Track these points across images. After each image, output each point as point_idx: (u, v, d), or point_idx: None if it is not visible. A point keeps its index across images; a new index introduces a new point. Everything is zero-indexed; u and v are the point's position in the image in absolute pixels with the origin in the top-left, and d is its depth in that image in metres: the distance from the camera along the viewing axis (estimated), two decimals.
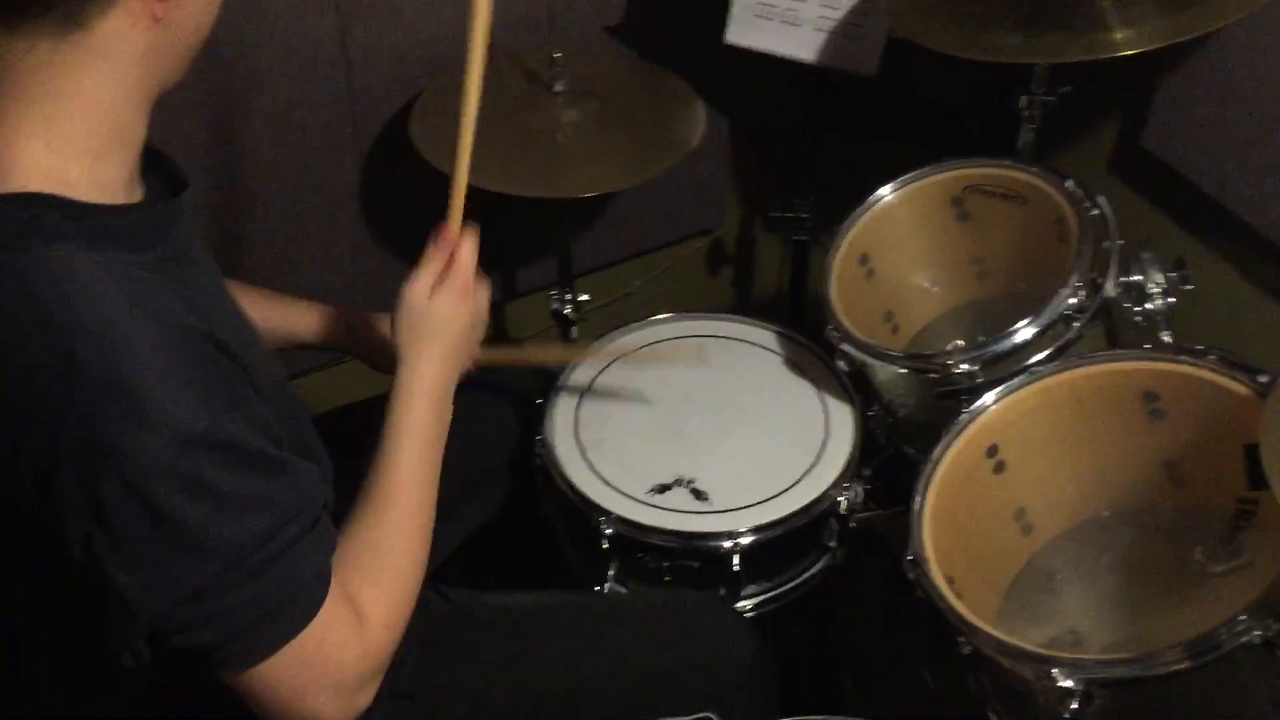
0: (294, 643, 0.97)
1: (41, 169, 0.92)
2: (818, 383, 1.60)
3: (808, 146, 1.98)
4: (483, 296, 1.22)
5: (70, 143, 0.93)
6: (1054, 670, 1.10)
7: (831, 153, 1.99)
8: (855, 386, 1.57)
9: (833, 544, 1.54)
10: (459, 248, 1.19)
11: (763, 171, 2.26)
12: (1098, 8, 1.40)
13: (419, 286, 1.17)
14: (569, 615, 1.37)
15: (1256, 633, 1.05)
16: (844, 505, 1.50)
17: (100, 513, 0.88)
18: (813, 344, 1.64)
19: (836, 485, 1.48)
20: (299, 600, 0.97)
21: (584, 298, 1.91)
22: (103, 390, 0.87)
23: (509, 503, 1.63)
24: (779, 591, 1.52)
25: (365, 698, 1.05)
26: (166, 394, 0.88)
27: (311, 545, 0.99)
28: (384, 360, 1.31)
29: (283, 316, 1.45)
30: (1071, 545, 1.42)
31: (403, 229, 1.90)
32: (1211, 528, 1.28)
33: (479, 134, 1.20)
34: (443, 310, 1.17)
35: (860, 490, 1.52)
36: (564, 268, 1.91)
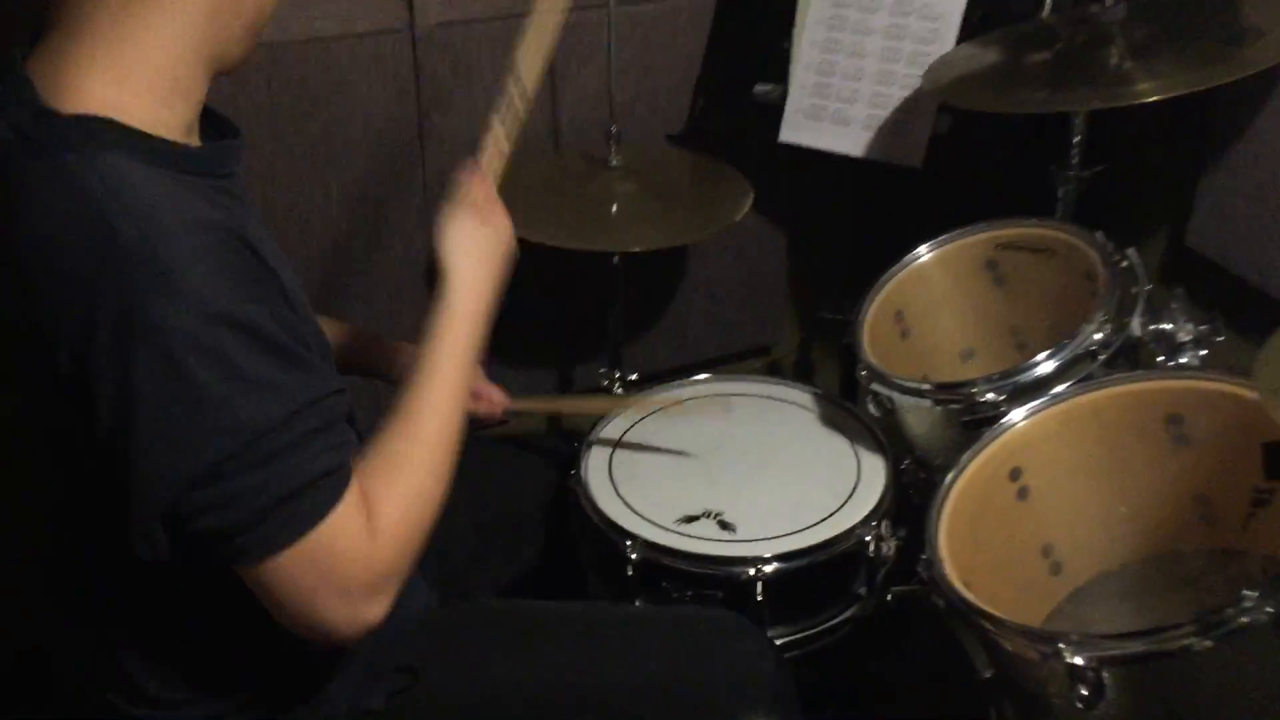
0: (305, 539, 0.99)
1: (102, 99, 1.00)
2: (852, 436, 1.62)
3: (854, 245, 2.05)
4: (506, 219, 1.28)
5: (132, 81, 1.01)
6: (1061, 646, 1.07)
7: (881, 254, 2.06)
8: (889, 439, 1.58)
9: (862, 591, 1.52)
10: (487, 182, 1.27)
11: (820, 286, 2.33)
12: (1122, 65, 1.48)
13: (458, 209, 1.23)
14: (586, 620, 1.36)
15: (1268, 609, 1.02)
16: (872, 548, 1.48)
17: (128, 380, 0.93)
18: (849, 404, 1.66)
19: (864, 524, 1.48)
20: (311, 494, 1.00)
21: (633, 376, 1.95)
22: (138, 264, 0.93)
23: (545, 553, 1.65)
24: (806, 634, 1.49)
25: (375, 611, 1.05)
26: (197, 273, 0.95)
27: (327, 443, 1.02)
28: None
29: (348, 341, 1.52)
30: (1105, 593, 1.39)
31: None
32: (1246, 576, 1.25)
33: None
34: (479, 228, 1.23)
35: (892, 544, 1.51)
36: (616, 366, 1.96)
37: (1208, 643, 1.03)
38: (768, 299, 2.34)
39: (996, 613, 1.14)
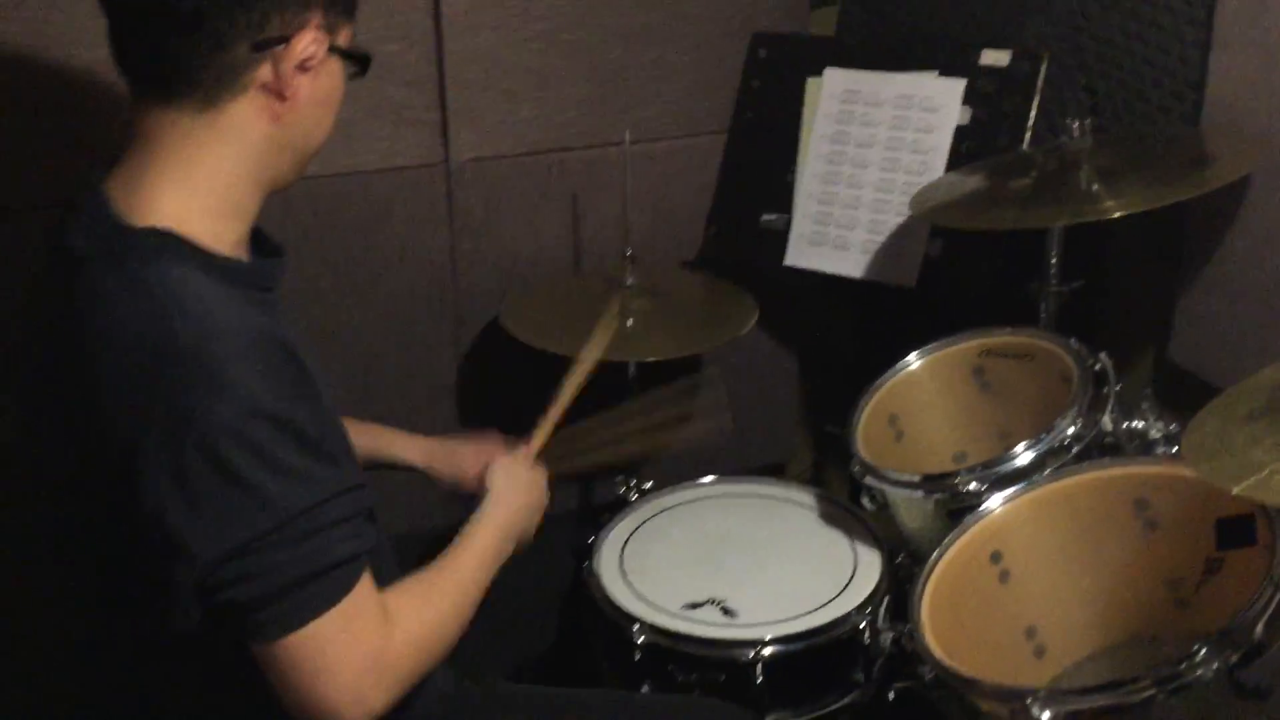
0: (322, 619, 1.10)
1: (170, 214, 1.15)
2: (850, 531, 1.72)
3: (856, 363, 2.17)
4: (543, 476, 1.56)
5: (195, 200, 1.16)
6: (1028, 701, 1.16)
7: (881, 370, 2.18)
8: (885, 534, 1.68)
9: (859, 679, 1.60)
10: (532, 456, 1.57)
11: (827, 403, 2.44)
12: (1090, 187, 1.62)
13: (518, 457, 1.54)
14: (594, 708, 1.46)
15: (1214, 665, 1.11)
16: (867, 636, 1.57)
17: (176, 468, 1.05)
18: (847, 503, 1.77)
19: (859, 610, 1.57)
20: (333, 576, 1.11)
21: (648, 485, 2.06)
22: (193, 364, 1.06)
23: (559, 638, 1.74)
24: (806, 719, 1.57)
25: (380, 702, 1.15)
26: (245, 374, 1.07)
27: (351, 531, 1.13)
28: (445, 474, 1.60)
29: (370, 438, 1.65)
30: (1089, 677, 1.46)
31: (495, 418, 2.12)
32: None
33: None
34: (528, 477, 1.52)
35: (889, 635, 1.59)
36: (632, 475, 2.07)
37: (1167, 695, 1.11)
38: (780, 417, 2.46)
39: (970, 674, 1.22)
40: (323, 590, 1.10)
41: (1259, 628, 1.12)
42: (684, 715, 1.46)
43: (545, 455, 1.61)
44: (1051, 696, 1.16)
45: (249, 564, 1.07)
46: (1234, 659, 1.11)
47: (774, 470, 2.51)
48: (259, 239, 1.27)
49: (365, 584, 1.14)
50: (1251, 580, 1.17)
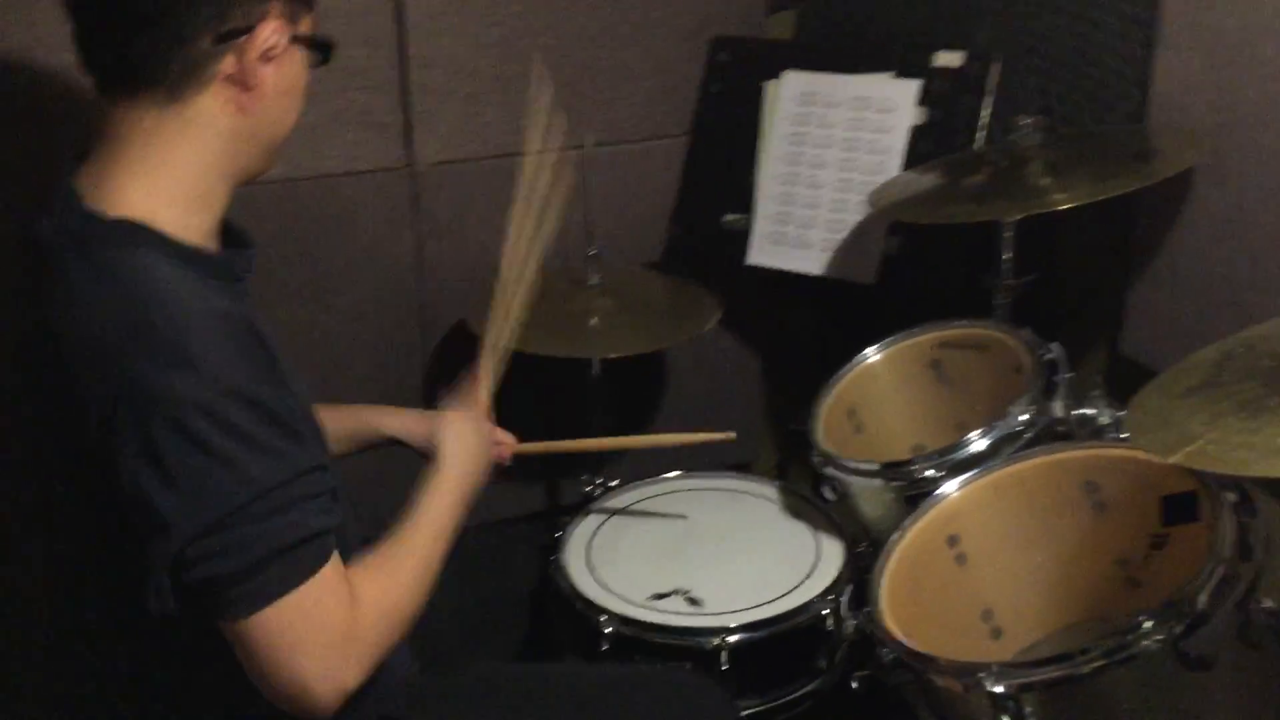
0: (293, 595, 1.12)
1: (138, 206, 1.17)
2: (812, 522, 1.76)
3: (818, 362, 2.21)
4: (491, 426, 1.57)
5: (163, 192, 1.18)
6: (980, 676, 1.19)
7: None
8: (846, 524, 1.72)
9: (823, 665, 1.63)
10: (482, 380, 1.56)
11: (790, 401, 2.48)
12: (1040, 182, 1.67)
13: (457, 408, 1.53)
14: (559, 679, 1.48)
15: (1158, 637, 1.14)
16: (830, 622, 1.60)
17: (149, 445, 1.08)
18: (809, 494, 1.80)
19: (821, 598, 1.60)
20: (303, 551, 1.13)
21: (615, 483, 2.09)
22: (163, 344, 1.09)
23: (528, 638, 1.76)
24: (771, 705, 1.60)
25: (351, 677, 1.17)
26: (214, 353, 1.10)
27: (319, 507, 1.16)
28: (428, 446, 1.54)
29: (352, 416, 1.67)
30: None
31: None
32: None
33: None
34: (476, 429, 1.51)
35: (851, 623, 1.63)
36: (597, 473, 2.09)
37: (1115, 666, 1.15)
38: (744, 415, 2.49)
39: (925, 649, 1.25)
40: (292, 567, 1.12)
41: (1202, 599, 1.16)
42: (649, 686, 1.48)
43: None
44: (1004, 671, 1.20)
45: (219, 540, 1.09)
46: (1178, 630, 1.14)
47: (739, 469, 2.55)
48: (229, 232, 1.30)
49: (333, 562, 1.16)
50: (1197, 555, 1.21)
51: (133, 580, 1.14)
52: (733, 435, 1.77)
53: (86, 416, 1.11)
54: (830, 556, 1.68)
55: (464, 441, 1.47)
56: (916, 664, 1.27)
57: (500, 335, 1.60)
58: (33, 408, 1.26)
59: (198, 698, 1.26)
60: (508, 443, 1.68)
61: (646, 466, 2.38)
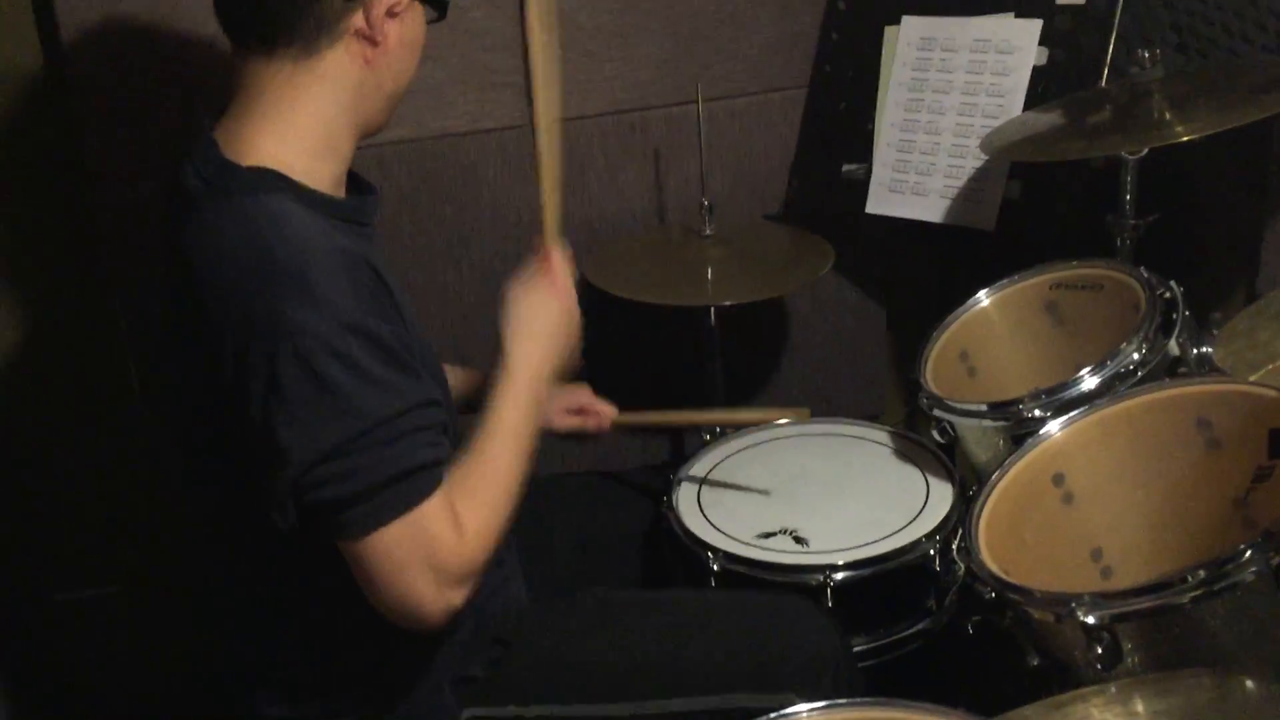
0: (406, 517, 1.19)
1: (271, 154, 1.26)
2: (922, 465, 1.75)
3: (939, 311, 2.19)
4: (572, 295, 1.45)
5: (294, 141, 1.28)
6: (1074, 605, 1.19)
7: None
8: (958, 467, 1.71)
9: (931, 605, 1.63)
10: (552, 256, 1.45)
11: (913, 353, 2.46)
12: (1159, 115, 1.62)
13: (521, 285, 1.42)
14: (667, 602, 1.53)
15: (1258, 566, 1.12)
16: (938, 562, 1.60)
17: (274, 376, 1.15)
18: (921, 438, 1.80)
19: (929, 538, 1.60)
20: (415, 478, 1.20)
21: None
22: (289, 280, 1.16)
23: (641, 578, 1.81)
24: (878, 644, 1.61)
25: (458, 595, 1.24)
26: (336, 290, 1.17)
27: (430, 440, 1.22)
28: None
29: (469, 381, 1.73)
30: None
31: (585, 370, 2.21)
32: None
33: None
34: (539, 303, 1.41)
35: (962, 566, 1.62)
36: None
37: (1213, 596, 1.13)
38: (870, 369, 2.48)
39: (1020, 582, 1.25)
40: (401, 495, 1.19)
41: None
42: (755, 610, 1.51)
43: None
44: (1097, 600, 1.18)
45: (336, 466, 1.17)
46: (1278, 560, 1.12)
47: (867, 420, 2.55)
48: (354, 181, 1.38)
49: (441, 492, 1.22)
50: None
51: (256, 501, 1.22)
52: (807, 411, 1.79)
53: (223, 350, 1.19)
54: (939, 499, 1.68)
55: (528, 324, 1.38)
56: (1011, 596, 1.26)
57: (552, 199, 1.50)
58: (173, 347, 1.35)
59: (330, 613, 1.34)
60: (606, 412, 1.72)
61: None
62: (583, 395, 1.75)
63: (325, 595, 1.32)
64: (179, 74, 1.88)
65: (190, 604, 1.93)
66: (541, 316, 1.40)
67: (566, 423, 1.74)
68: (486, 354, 2.17)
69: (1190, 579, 1.14)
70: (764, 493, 1.74)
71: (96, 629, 2.08)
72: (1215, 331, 1.56)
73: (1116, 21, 1.93)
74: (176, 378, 1.34)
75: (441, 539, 1.22)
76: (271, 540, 1.24)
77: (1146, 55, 1.70)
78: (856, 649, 1.59)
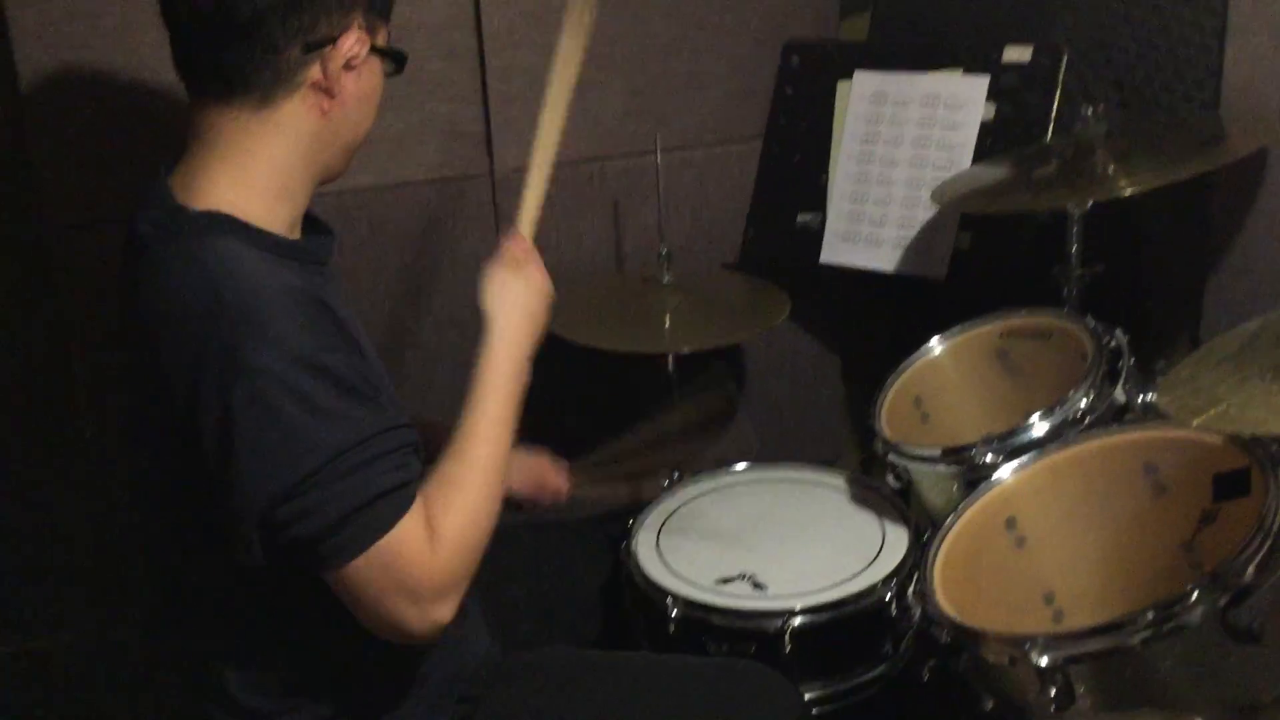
0: (376, 546, 1.19)
1: (225, 199, 1.27)
2: (879, 512, 1.78)
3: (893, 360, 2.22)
4: (542, 273, 1.47)
5: (248, 187, 1.28)
6: (1027, 647, 1.21)
7: None
8: (912, 512, 1.74)
9: (888, 651, 1.65)
10: (526, 242, 1.48)
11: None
12: (1103, 170, 1.67)
13: (498, 267, 1.44)
14: (633, 667, 1.53)
15: (1206, 606, 1.15)
16: (894, 608, 1.62)
17: (228, 414, 1.16)
18: (876, 483, 1.82)
19: (885, 582, 1.62)
20: (380, 506, 1.19)
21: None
22: (239, 319, 1.17)
23: (603, 632, 1.81)
24: (835, 690, 1.62)
25: (442, 612, 1.24)
26: (287, 327, 1.18)
27: (393, 464, 1.22)
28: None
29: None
30: None
31: (545, 419, 2.21)
32: None
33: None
34: (518, 283, 1.42)
35: (918, 610, 1.64)
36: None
37: (1162, 637, 1.15)
38: (825, 416, 2.52)
39: (974, 625, 1.27)
40: (373, 520, 1.19)
41: (1250, 570, 1.16)
42: (719, 679, 1.51)
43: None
44: (1050, 642, 1.21)
45: (303, 502, 1.17)
46: (1224, 600, 1.15)
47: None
48: (312, 223, 1.39)
49: (414, 511, 1.22)
50: (1247, 529, 1.21)
51: (218, 538, 1.22)
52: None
53: (174, 392, 1.19)
54: (895, 544, 1.70)
55: (508, 301, 1.40)
56: (966, 639, 1.28)
57: (535, 193, 1.53)
58: (128, 394, 1.35)
59: (299, 649, 1.33)
60: (561, 488, 1.73)
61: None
62: (542, 464, 1.75)
63: (289, 647, 1.32)
64: (137, 122, 1.89)
65: (143, 660, 1.91)
66: (521, 291, 1.42)
67: (523, 490, 1.73)
68: (447, 401, 2.21)
69: (1140, 620, 1.17)
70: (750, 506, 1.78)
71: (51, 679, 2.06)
72: (1160, 379, 1.60)
73: (1061, 78, 1.99)
74: (135, 428, 1.34)
75: (414, 561, 1.21)
76: (232, 594, 1.24)
77: (1090, 111, 1.75)
78: (812, 695, 1.60)
